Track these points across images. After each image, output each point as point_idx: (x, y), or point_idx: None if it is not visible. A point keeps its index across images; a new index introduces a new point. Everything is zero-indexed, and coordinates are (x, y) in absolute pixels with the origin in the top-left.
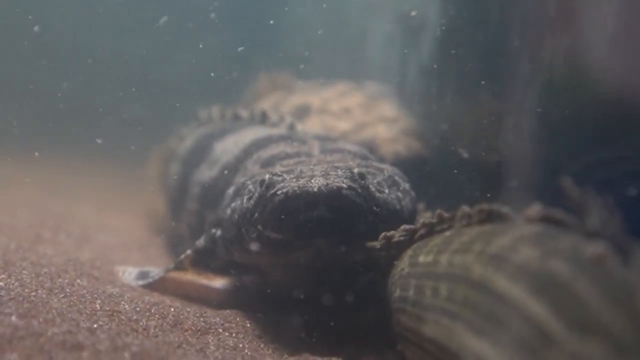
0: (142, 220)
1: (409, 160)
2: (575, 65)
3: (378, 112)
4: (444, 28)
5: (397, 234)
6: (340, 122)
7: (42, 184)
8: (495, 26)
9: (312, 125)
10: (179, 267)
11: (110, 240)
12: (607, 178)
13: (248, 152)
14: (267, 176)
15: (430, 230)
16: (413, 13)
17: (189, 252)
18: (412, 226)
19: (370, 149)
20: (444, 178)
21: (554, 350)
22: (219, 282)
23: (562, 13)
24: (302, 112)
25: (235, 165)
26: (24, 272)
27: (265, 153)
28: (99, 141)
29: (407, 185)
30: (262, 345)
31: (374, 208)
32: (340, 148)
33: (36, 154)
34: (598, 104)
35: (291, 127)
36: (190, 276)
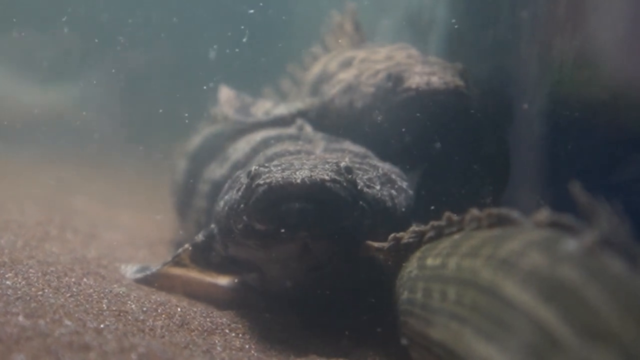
0: (152, 217)
1: (444, 97)
2: (585, 66)
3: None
4: (453, 27)
5: (406, 236)
6: (377, 65)
7: (53, 180)
8: (505, 26)
9: (346, 74)
10: (176, 261)
11: (118, 238)
12: (618, 181)
13: (257, 150)
14: (254, 167)
15: (439, 233)
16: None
17: (187, 246)
18: (421, 228)
19: (396, 79)
20: None
21: (563, 356)
22: (223, 280)
23: (573, 13)
24: (345, 65)
25: (245, 163)
26: (30, 270)
27: (270, 151)
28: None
29: (404, 184)
30: (268, 346)
31: (360, 203)
32: (342, 148)
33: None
34: (608, 105)
35: (301, 127)
36: (193, 273)
